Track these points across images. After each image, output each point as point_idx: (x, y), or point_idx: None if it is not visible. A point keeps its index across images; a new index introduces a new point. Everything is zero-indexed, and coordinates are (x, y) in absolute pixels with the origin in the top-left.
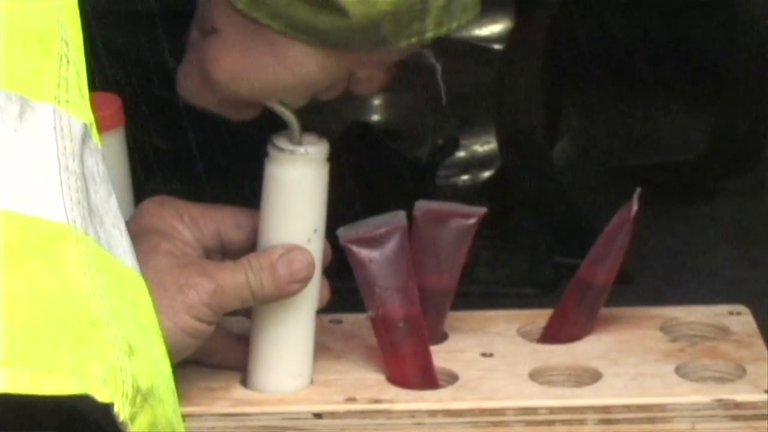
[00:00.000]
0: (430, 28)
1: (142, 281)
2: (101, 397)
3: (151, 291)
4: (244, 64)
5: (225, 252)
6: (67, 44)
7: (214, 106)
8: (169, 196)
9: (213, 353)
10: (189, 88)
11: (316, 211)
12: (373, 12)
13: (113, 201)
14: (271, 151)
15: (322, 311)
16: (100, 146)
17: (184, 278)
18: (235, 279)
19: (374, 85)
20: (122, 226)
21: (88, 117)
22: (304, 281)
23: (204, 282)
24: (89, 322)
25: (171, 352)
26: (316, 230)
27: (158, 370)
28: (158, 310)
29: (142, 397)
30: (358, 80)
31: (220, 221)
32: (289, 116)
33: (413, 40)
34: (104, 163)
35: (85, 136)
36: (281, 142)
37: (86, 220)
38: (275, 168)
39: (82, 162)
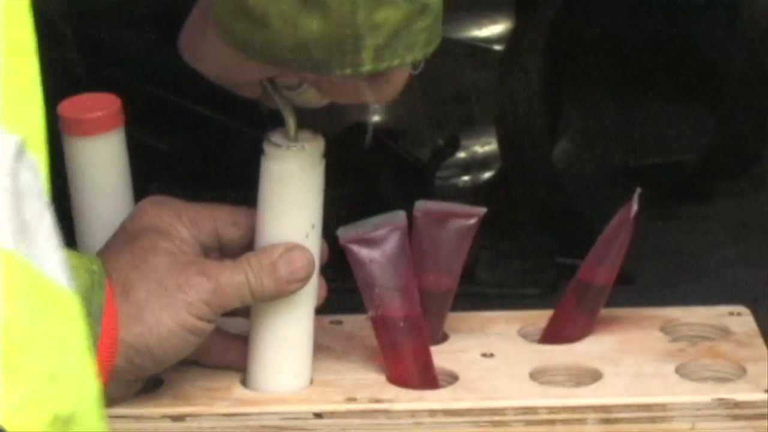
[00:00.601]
0: (367, 62)
1: (74, 300)
2: (12, 426)
3: (80, 307)
4: (193, 43)
5: (223, 250)
6: None
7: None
8: (166, 196)
9: (211, 353)
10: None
11: (313, 206)
12: (300, 35)
13: (47, 217)
14: (266, 147)
15: (322, 312)
16: (37, 160)
17: (183, 277)
18: (235, 278)
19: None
20: (55, 241)
21: (25, 130)
22: (305, 280)
23: (204, 281)
24: (10, 347)
25: (172, 351)
26: (313, 226)
27: (83, 395)
28: (158, 308)
29: (63, 423)
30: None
31: (218, 219)
32: (287, 110)
33: (348, 71)
34: (41, 178)
35: (20, 151)
36: (277, 138)
37: (17, 237)
38: (271, 164)
39: (15, 178)
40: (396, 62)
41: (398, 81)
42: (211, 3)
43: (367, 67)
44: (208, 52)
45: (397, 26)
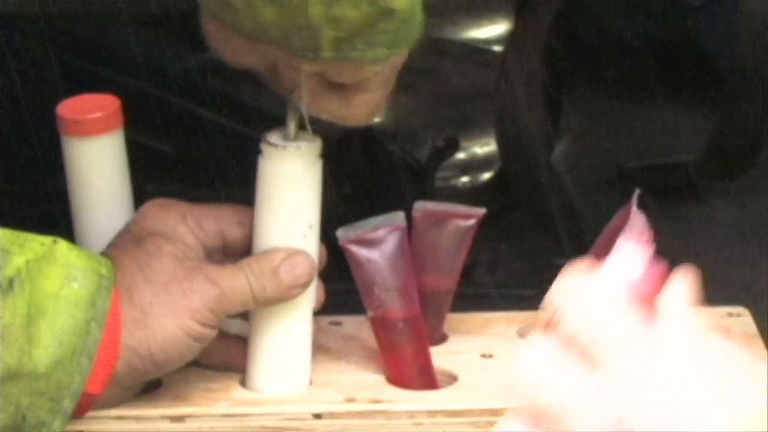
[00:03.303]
0: (326, 49)
1: None
2: None
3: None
4: (212, 29)
5: (227, 250)
6: None
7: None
8: (171, 199)
9: (211, 354)
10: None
11: (310, 207)
12: (259, 19)
13: None
14: (264, 147)
15: (321, 312)
16: None
17: (188, 283)
18: (238, 284)
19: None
20: None
21: None
22: (306, 285)
23: (208, 287)
24: None
25: (174, 356)
26: (311, 226)
27: None
28: (162, 313)
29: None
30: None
31: (222, 219)
32: (292, 112)
33: (308, 54)
34: None
35: None
36: (274, 138)
37: None
38: (268, 164)
39: None
40: (356, 55)
41: (371, 102)
42: None
43: (326, 54)
44: (221, 38)
45: (357, 24)
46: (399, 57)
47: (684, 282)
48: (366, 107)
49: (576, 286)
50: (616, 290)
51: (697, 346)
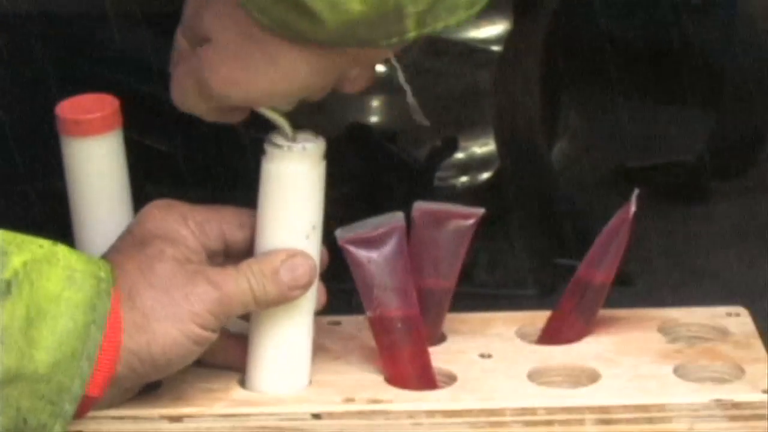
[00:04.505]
0: (410, 29)
1: None
2: None
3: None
4: (239, 71)
5: (228, 252)
6: None
7: (205, 113)
8: (173, 200)
9: (212, 353)
10: (184, 97)
11: (314, 208)
12: (344, 17)
13: None
14: (268, 148)
15: (320, 313)
16: None
17: (190, 287)
18: (239, 287)
19: (360, 84)
20: None
21: None
22: (307, 286)
23: (209, 291)
24: None
25: (175, 360)
26: (314, 227)
27: None
28: (164, 317)
29: None
30: (345, 80)
31: (224, 222)
32: (276, 118)
33: (393, 40)
34: None
35: None
36: (278, 139)
37: None
38: (272, 165)
39: None
40: (440, 25)
41: (362, 78)
42: None
43: (411, 34)
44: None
45: None
46: None
47: None
48: (367, 75)
49: None
50: None
51: None
